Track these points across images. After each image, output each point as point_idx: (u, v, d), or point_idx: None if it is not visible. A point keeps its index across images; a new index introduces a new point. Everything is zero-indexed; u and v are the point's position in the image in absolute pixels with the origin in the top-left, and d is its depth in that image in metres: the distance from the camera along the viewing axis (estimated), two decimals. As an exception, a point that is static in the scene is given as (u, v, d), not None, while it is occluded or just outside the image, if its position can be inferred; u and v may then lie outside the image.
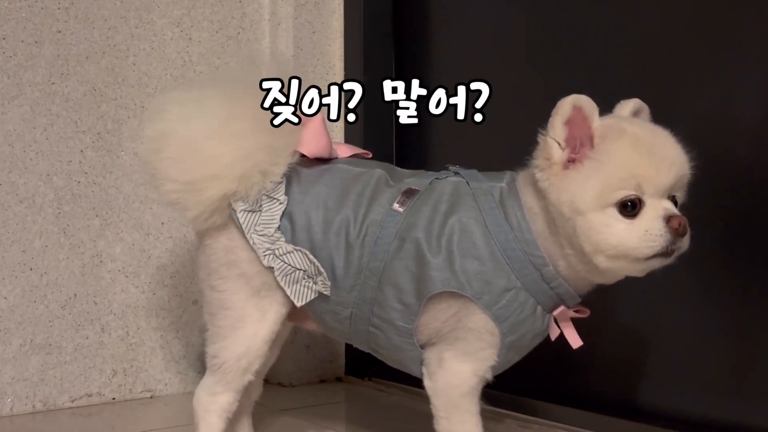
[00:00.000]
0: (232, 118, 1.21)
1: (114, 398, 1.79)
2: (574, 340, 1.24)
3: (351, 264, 1.21)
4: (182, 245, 1.86)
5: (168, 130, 1.22)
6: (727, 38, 1.46)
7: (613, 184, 1.10)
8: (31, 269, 1.70)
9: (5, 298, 1.68)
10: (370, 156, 1.36)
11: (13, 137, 1.68)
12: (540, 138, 1.16)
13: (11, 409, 1.68)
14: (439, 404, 1.23)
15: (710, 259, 1.47)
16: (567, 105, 1.15)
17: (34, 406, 1.70)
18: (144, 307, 1.82)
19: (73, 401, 1.75)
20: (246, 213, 1.22)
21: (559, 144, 1.14)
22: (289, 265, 1.21)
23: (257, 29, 1.96)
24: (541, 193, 1.16)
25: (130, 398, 1.81)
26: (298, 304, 1.23)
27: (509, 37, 1.79)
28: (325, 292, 1.22)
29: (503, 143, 1.77)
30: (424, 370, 1.24)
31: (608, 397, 1.60)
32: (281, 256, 1.22)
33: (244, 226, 1.22)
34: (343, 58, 2.01)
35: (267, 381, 2.01)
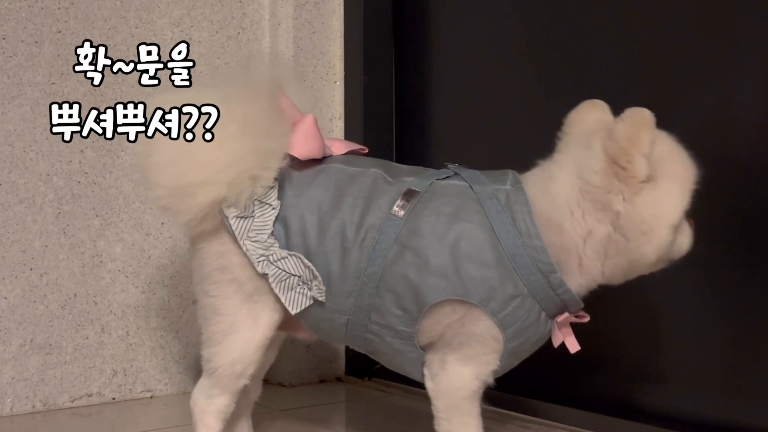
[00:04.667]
0: (221, 123, 1.19)
1: (114, 398, 1.79)
2: (573, 346, 1.24)
3: (348, 269, 1.19)
4: (182, 245, 1.86)
5: (157, 135, 1.22)
6: (727, 38, 1.46)
7: (688, 199, 1.18)
8: (31, 269, 1.70)
9: (5, 298, 1.68)
10: (366, 151, 1.34)
11: (13, 137, 1.68)
12: (612, 148, 1.14)
13: (11, 409, 1.68)
14: (440, 406, 1.23)
15: (710, 259, 1.47)
16: (652, 119, 1.14)
17: (34, 406, 1.70)
18: (144, 307, 1.82)
19: (73, 401, 1.75)
20: (238, 219, 1.20)
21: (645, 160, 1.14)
22: (284, 270, 1.19)
23: (257, 29, 1.96)
24: (570, 203, 1.17)
25: (130, 398, 1.81)
26: (293, 312, 1.21)
27: (509, 37, 1.79)
28: (320, 298, 1.20)
29: (503, 143, 1.77)
30: (426, 371, 1.23)
31: (608, 397, 1.60)
32: (275, 262, 1.20)
33: (236, 233, 1.20)
34: (343, 58, 2.01)
35: (267, 381, 2.01)
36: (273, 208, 1.21)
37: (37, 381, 1.71)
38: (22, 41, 1.69)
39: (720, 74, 1.46)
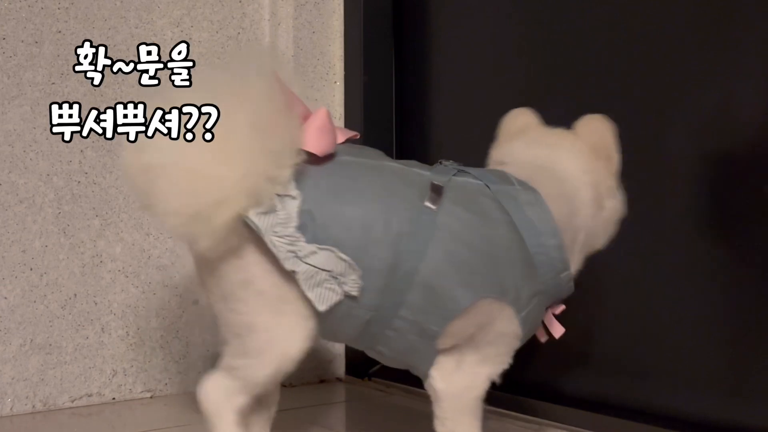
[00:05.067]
0: (225, 127, 1.10)
1: (114, 398, 1.79)
2: (558, 330, 1.28)
3: (379, 264, 1.13)
4: (182, 245, 1.86)
5: (157, 161, 1.10)
6: (727, 38, 1.46)
7: None
8: (31, 269, 1.70)
9: (5, 298, 1.68)
10: (358, 136, 1.29)
11: (13, 137, 1.68)
12: (601, 151, 1.28)
13: (11, 409, 1.68)
14: (448, 406, 1.21)
15: (711, 259, 1.47)
16: None
17: (34, 406, 1.70)
18: (144, 307, 1.82)
19: (73, 401, 1.75)
20: (260, 215, 1.10)
21: None
22: (314, 266, 1.11)
23: (257, 29, 1.96)
24: (576, 203, 1.24)
25: (130, 398, 1.81)
26: (322, 309, 1.13)
27: (509, 37, 1.79)
28: (354, 293, 1.13)
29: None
30: (434, 372, 1.21)
31: (608, 397, 1.60)
32: (304, 258, 1.11)
33: (261, 229, 1.10)
34: (343, 58, 2.01)
35: (267, 381, 2.00)
36: (294, 199, 1.12)
37: (37, 381, 1.71)
38: (22, 41, 1.69)
39: (720, 74, 1.46)
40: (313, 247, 1.11)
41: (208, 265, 1.17)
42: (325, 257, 1.12)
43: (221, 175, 1.08)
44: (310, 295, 1.12)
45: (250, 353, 1.17)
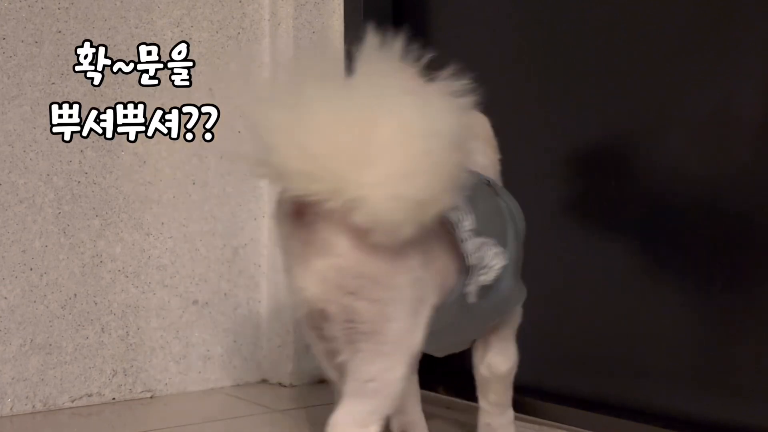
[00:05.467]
0: (445, 125, 1.03)
1: (114, 398, 1.79)
2: None
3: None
4: (182, 245, 1.86)
5: (394, 140, 0.99)
6: (727, 38, 1.46)
7: None
8: (31, 269, 1.70)
9: (5, 298, 1.68)
10: None
11: (13, 137, 1.68)
12: (492, 139, 1.37)
13: (11, 409, 1.68)
14: (504, 383, 1.32)
15: (711, 258, 1.47)
16: None
17: (34, 406, 1.70)
18: (144, 307, 1.82)
19: (73, 401, 1.75)
20: (453, 212, 1.08)
21: None
22: (482, 259, 1.13)
23: (257, 29, 1.96)
24: None
25: (130, 398, 1.81)
26: (473, 300, 1.14)
27: (509, 37, 1.79)
28: (488, 283, 1.15)
29: (503, 142, 1.77)
30: (495, 357, 1.30)
31: (608, 397, 1.60)
32: (476, 251, 1.12)
33: (459, 225, 1.09)
34: (343, 58, 2.01)
35: (267, 381, 2.01)
36: (462, 195, 1.08)
37: (37, 381, 1.71)
38: (22, 41, 1.69)
39: (720, 74, 1.46)
40: (479, 240, 1.13)
41: (370, 252, 1.04)
42: (487, 250, 1.15)
43: (453, 162, 1.02)
44: (471, 285, 1.14)
45: (384, 350, 1.07)
